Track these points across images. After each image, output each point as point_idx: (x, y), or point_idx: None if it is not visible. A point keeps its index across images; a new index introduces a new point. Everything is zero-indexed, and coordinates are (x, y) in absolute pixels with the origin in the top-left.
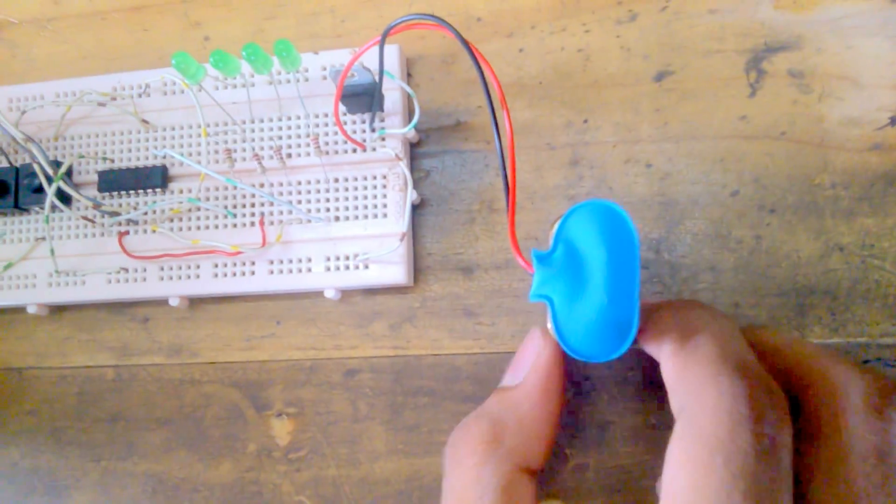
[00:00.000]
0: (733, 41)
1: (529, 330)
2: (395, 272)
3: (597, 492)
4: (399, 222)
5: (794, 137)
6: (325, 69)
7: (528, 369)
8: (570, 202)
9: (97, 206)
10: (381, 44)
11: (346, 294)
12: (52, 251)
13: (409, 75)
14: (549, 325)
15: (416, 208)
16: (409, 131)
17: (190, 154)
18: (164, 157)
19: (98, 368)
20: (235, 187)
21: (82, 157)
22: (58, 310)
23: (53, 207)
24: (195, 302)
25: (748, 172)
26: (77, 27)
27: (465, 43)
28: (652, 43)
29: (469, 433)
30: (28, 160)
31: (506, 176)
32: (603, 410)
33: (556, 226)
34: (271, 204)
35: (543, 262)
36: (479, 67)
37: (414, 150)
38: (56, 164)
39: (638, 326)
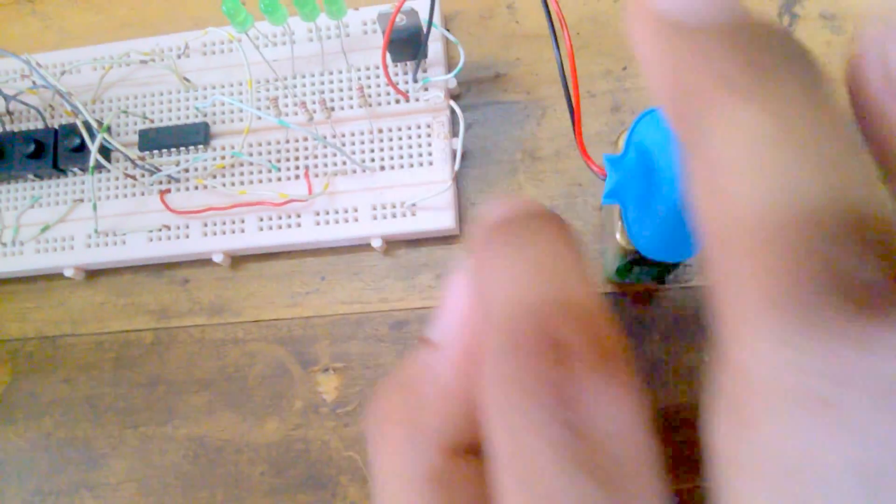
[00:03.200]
0: None
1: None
2: (443, 217)
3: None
4: (445, 169)
5: (829, 76)
6: (364, 24)
7: (453, 325)
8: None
9: (142, 158)
10: None
11: (391, 247)
12: (95, 207)
13: (447, 31)
14: (618, 232)
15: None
16: (451, 80)
17: (232, 111)
18: (206, 115)
19: (136, 332)
20: (279, 142)
21: (125, 112)
22: (94, 274)
23: (97, 166)
24: (236, 261)
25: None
26: None
27: None
28: None
29: (383, 409)
30: (64, 122)
31: (567, 86)
32: (655, 349)
33: (624, 135)
34: (315, 156)
35: (616, 166)
36: None
37: (455, 102)
38: (96, 122)
39: None
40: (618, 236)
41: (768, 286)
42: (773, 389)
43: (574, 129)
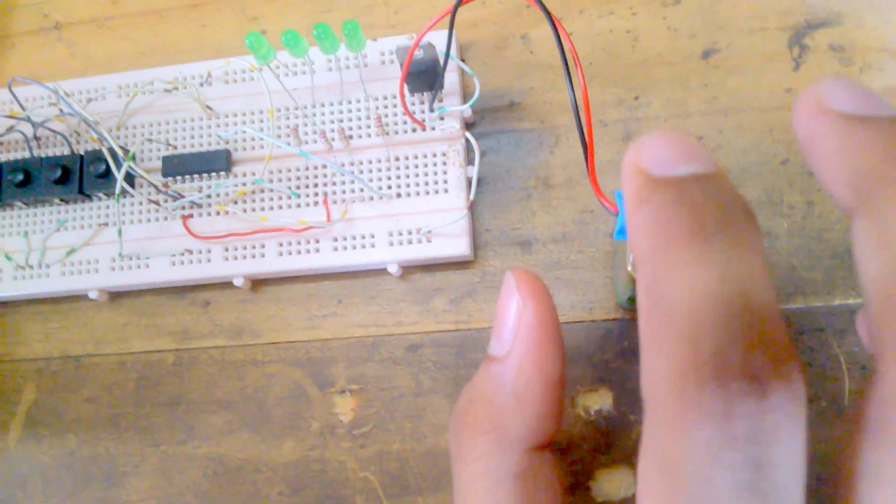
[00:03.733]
0: (775, 19)
1: (505, 275)
2: (458, 244)
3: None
4: (460, 197)
5: None
6: (382, 54)
7: (513, 336)
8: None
9: (166, 185)
10: (454, 12)
11: (407, 271)
12: (120, 231)
13: (462, 60)
14: (630, 267)
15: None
16: (467, 110)
17: (253, 138)
18: (228, 142)
19: (158, 353)
20: (298, 169)
21: (149, 140)
22: (117, 297)
23: (122, 191)
24: (256, 284)
25: (797, 142)
26: (135, 25)
27: (539, 2)
28: (697, 23)
29: (466, 425)
30: (90, 148)
31: (580, 124)
32: None
33: None
34: (334, 183)
35: None
36: (554, 26)
37: (469, 131)
38: (122, 150)
39: None
40: (629, 269)
41: None
42: None
43: (587, 167)
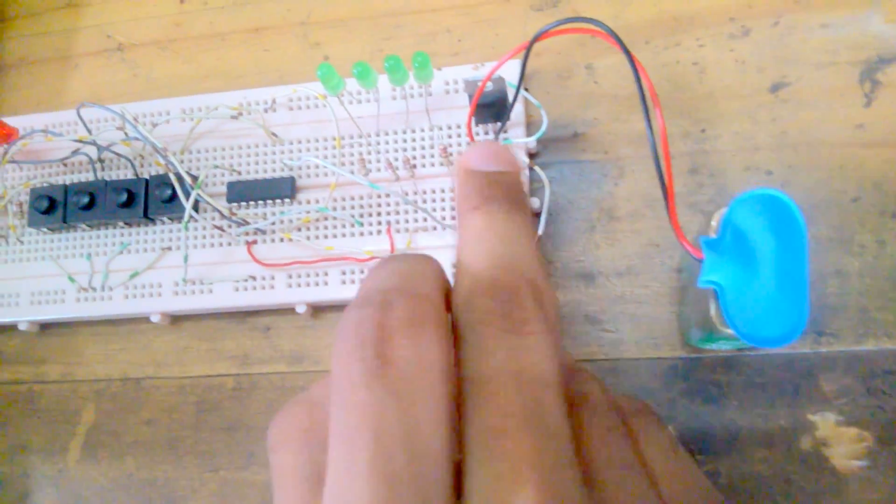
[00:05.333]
0: (846, 54)
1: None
2: None
3: (731, 498)
4: None
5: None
6: (447, 83)
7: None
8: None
9: (233, 213)
10: (528, 50)
11: None
12: (186, 258)
13: (526, 90)
14: (713, 311)
15: (535, 216)
16: (531, 142)
17: (317, 165)
18: (293, 169)
19: (218, 378)
20: (362, 197)
21: (217, 167)
22: (178, 320)
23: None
24: (317, 310)
25: (868, 179)
26: (197, 48)
27: (621, 43)
28: (766, 56)
29: (286, 420)
30: (156, 172)
31: (659, 167)
32: (732, 415)
33: (718, 215)
34: (398, 212)
35: (712, 249)
36: (635, 67)
37: (532, 161)
38: (189, 176)
39: (808, 314)
40: (713, 315)
41: None
42: None
43: (668, 211)
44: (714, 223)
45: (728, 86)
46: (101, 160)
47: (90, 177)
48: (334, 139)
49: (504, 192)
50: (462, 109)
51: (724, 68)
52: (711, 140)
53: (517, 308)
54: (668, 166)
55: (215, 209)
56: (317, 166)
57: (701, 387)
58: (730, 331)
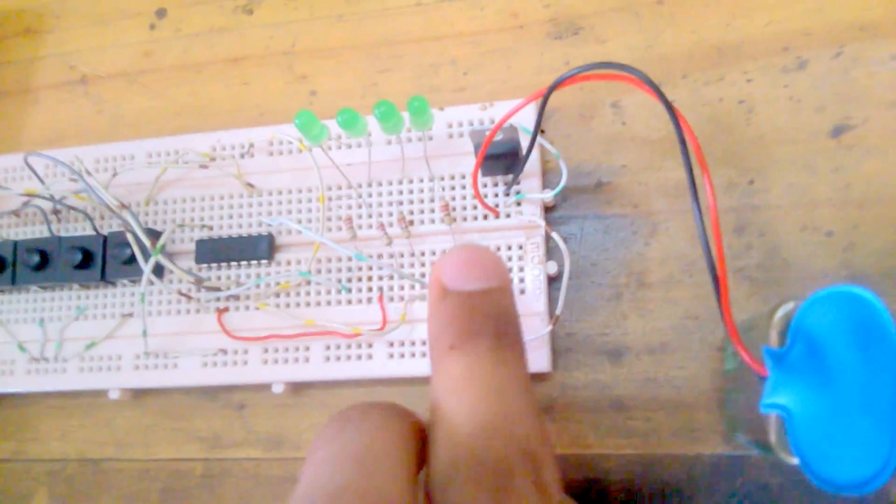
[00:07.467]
0: None
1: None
2: (535, 359)
3: None
4: (539, 300)
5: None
6: (450, 126)
7: None
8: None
9: (199, 281)
10: (544, 101)
11: None
12: (145, 333)
13: (542, 132)
14: (774, 438)
15: (551, 281)
16: (548, 196)
17: (300, 221)
18: (272, 226)
19: (186, 462)
20: (350, 258)
21: (182, 226)
22: (142, 393)
23: (149, 282)
24: (298, 387)
25: None
26: (168, 81)
27: (661, 94)
28: (826, 93)
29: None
30: (116, 227)
31: (709, 251)
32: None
33: (783, 313)
34: (391, 277)
35: (778, 363)
36: (678, 124)
37: (548, 215)
38: (151, 233)
39: None
40: (773, 442)
41: None
42: None
43: (721, 309)
44: (777, 321)
45: (781, 128)
46: (56, 212)
47: (45, 230)
48: (319, 193)
49: (490, 322)
50: (468, 156)
51: (776, 107)
52: (761, 193)
53: (510, 497)
54: (720, 252)
55: (184, 280)
56: (299, 222)
57: (749, 491)
58: (795, 460)
